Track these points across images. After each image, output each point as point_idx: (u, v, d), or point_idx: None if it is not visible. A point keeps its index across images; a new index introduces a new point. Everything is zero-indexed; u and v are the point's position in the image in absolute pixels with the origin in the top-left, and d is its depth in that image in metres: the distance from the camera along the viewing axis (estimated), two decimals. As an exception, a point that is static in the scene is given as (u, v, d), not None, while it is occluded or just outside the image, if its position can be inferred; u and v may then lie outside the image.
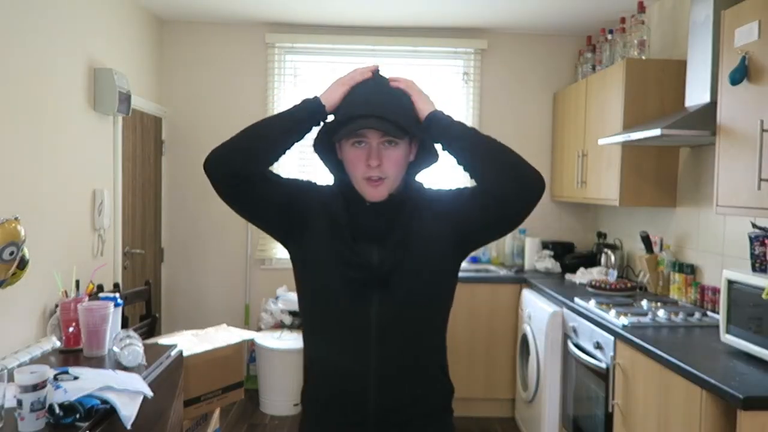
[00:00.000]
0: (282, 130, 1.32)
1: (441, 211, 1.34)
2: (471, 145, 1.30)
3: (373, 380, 1.28)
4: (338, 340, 1.31)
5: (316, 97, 1.34)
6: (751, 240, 2.31)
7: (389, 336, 1.29)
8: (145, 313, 3.31)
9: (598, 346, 2.72)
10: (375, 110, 1.27)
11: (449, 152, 1.33)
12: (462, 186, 1.41)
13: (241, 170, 1.32)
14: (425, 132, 1.31)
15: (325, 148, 1.39)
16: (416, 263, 1.29)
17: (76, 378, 1.74)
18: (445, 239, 1.32)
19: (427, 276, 1.31)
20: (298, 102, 1.35)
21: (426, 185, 1.43)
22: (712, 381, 1.85)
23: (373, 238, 1.31)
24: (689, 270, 3.06)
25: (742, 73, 2.14)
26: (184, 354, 2.53)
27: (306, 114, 1.32)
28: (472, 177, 1.33)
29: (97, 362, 2.09)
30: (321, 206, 1.34)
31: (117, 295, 2.38)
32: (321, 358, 1.35)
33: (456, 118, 1.34)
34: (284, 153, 1.34)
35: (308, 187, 1.39)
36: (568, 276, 3.89)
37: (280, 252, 4.33)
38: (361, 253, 1.29)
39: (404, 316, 1.30)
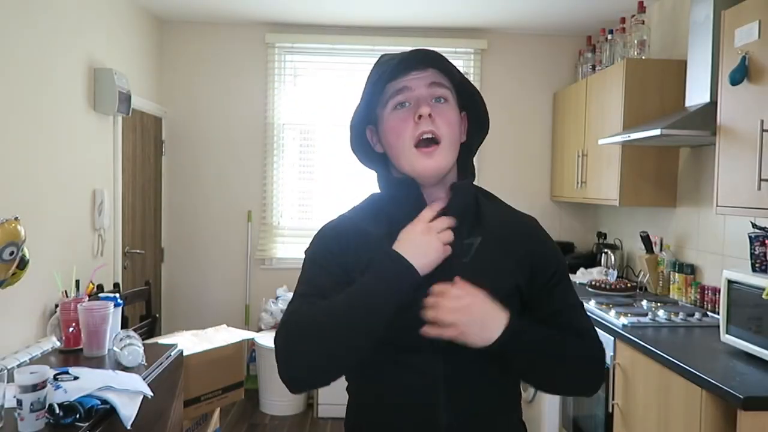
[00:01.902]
0: (373, 316, 0.97)
1: (514, 250, 1.09)
2: (540, 368, 1.08)
3: None
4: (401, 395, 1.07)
5: (396, 255, 0.99)
6: (751, 240, 2.31)
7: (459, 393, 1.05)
8: (145, 313, 3.31)
9: (598, 346, 2.72)
10: (417, 50, 1.04)
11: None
12: (545, 236, 1.16)
13: (337, 376, 1.02)
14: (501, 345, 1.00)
15: (363, 146, 1.15)
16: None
17: (76, 378, 1.74)
18: (512, 286, 1.08)
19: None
20: (377, 269, 0.99)
21: (489, 192, 1.18)
22: (712, 381, 1.85)
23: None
24: (689, 270, 3.06)
25: (742, 73, 2.14)
26: (184, 354, 2.53)
27: (392, 285, 0.98)
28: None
29: (97, 362, 2.09)
30: (355, 249, 1.06)
31: (117, 295, 2.38)
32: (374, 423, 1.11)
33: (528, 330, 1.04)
34: (374, 340, 1.00)
35: (340, 247, 1.08)
36: (568, 276, 3.88)
37: (280, 252, 4.34)
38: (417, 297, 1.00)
39: (476, 370, 1.05)
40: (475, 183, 1.16)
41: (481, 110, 1.14)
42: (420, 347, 1.02)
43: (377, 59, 1.12)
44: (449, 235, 1.02)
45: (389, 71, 1.04)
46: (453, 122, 1.07)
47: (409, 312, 0.99)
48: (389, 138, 1.08)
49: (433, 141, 1.04)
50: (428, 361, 1.03)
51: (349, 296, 0.98)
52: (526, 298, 1.09)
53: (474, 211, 1.11)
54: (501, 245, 1.09)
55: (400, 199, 1.08)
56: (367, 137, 1.14)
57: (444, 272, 1.01)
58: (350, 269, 1.04)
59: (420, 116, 1.03)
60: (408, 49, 1.07)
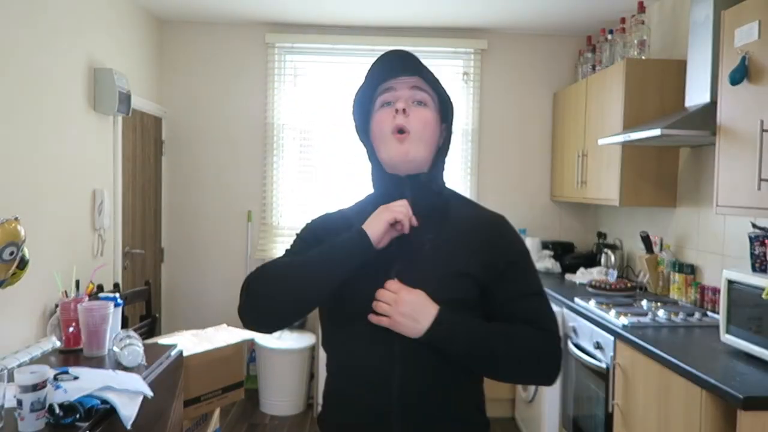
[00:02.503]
0: (325, 278, 1.14)
1: (469, 241, 1.20)
2: (478, 361, 1.16)
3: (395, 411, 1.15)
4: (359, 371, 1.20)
5: (361, 230, 1.15)
6: (751, 240, 2.31)
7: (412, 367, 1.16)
8: (145, 313, 3.31)
9: (598, 346, 2.72)
10: (403, 54, 1.25)
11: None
12: (508, 228, 1.25)
13: (287, 322, 1.19)
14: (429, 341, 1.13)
15: (364, 135, 1.30)
16: (435, 290, 1.15)
17: (76, 378, 1.74)
18: (466, 270, 1.17)
19: (440, 291, 1.15)
20: (341, 240, 1.16)
21: (460, 193, 1.32)
22: (712, 381, 1.86)
23: (402, 255, 1.18)
24: (689, 270, 3.06)
25: (742, 73, 2.14)
26: (184, 354, 2.53)
27: (349, 253, 1.15)
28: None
29: (97, 362, 2.09)
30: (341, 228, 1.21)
31: (117, 295, 2.38)
32: (339, 389, 1.24)
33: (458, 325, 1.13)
34: (325, 296, 1.17)
35: (321, 229, 1.27)
36: (568, 276, 3.89)
37: (280, 252, 4.33)
38: (379, 263, 1.16)
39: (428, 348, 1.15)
40: (452, 188, 1.31)
41: (447, 112, 1.27)
42: (383, 329, 1.15)
43: (378, 58, 1.27)
44: (403, 211, 1.15)
45: (379, 71, 1.24)
46: (427, 122, 1.22)
47: (369, 290, 1.15)
48: (375, 130, 1.24)
49: (406, 131, 1.20)
50: (386, 335, 1.14)
51: (311, 254, 1.17)
52: (482, 285, 1.17)
53: (440, 208, 1.24)
54: (459, 237, 1.20)
55: (386, 196, 1.22)
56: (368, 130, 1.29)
57: (403, 256, 1.18)
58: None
59: (396, 110, 1.20)
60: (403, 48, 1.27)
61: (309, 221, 1.31)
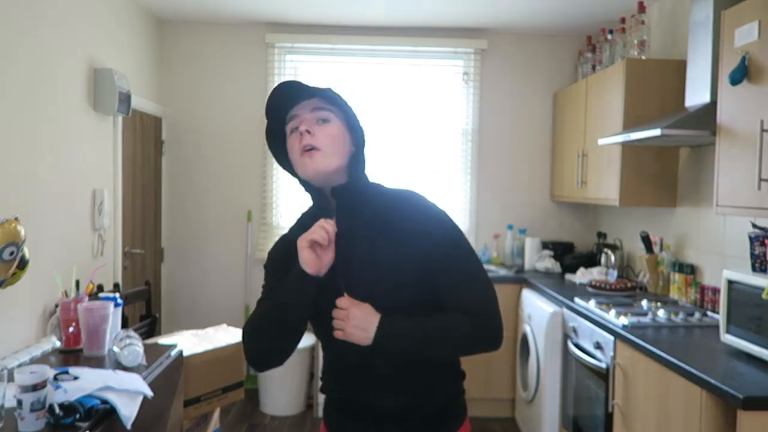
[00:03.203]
0: (292, 318, 1.30)
1: (406, 236, 1.31)
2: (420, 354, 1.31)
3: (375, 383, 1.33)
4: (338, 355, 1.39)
5: (299, 270, 1.28)
6: (751, 240, 2.31)
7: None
8: (145, 313, 3.31)
9: (598, 346, 2.72)
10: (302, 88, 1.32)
11: None
12: (436, 218, 1.34)
13: (283, 357, 1.34)
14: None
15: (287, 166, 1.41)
16: (381, 300, 1.28)
17: (76, 378, 1.74)
18: (406, 269, 1.30)
19: (389, 295, 1.29)
20: (288, 284, 1.30)
21: (385, 185, 1.41)
22: (712, 381, 1.86)
23: (346, 260, 1.30)
24: (689, 270, 3.06)
25: (742, 73, 2.14)
26: (184, 354, 2.53)
27: (297, 289, 1.28)
28: None
29: (97, 362, 2.09)
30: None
31: (117, 295, 2.38)
32: (332, 368, 1.42)
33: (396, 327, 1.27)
34: (304, 327, 1.32)
35: (280, 256, 1.39)
36: (568, 276, 3.89)
37: (280, 252, 4.33)
38: (335, 289, 1.29)
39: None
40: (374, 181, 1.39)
41: (352, 120, 1.34)
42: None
43: (271, 93, 1.34)
44: (317, 231, 1.25)
45: (277, 103, 1.33)
46: (334, 135, 1.30)
47: (327, 308, 1.28)
48: (290, 156, 1.34)
49: (314, 147, 1.29)
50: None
51: (271, 303, 1.32)
52: (423, 279, 1.29)
53: (369, 213, 1.33)
54: (392, 239, 1.30)
55: (321, 206, 1.37)
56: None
57: (349, 269, 1.30)
58: (288, 272, 1.31)
59: (301, 133, 1.29)
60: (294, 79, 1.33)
61: (270, 251, 1.43)
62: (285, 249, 1.38)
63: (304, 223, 1.37)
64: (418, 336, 1.27)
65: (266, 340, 1.31)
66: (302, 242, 1.26)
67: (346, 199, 1.33)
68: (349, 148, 1.34)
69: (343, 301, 1.27)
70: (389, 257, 1.29)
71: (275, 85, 1.34)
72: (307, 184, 1.37)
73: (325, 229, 1.26)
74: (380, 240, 1.30)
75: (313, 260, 1.25)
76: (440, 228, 1.32)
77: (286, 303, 1.29)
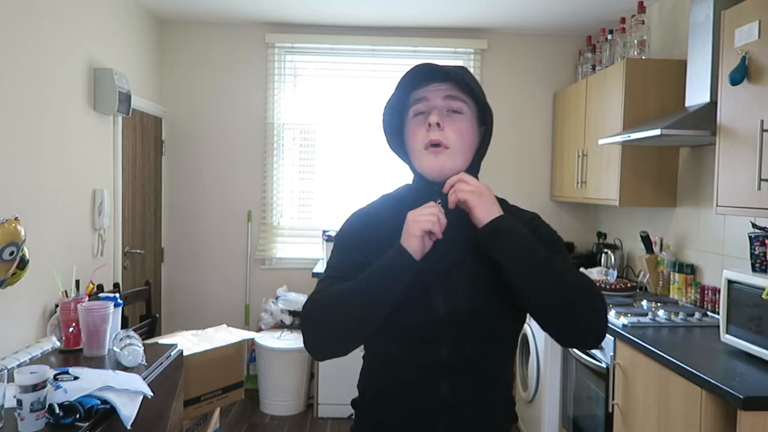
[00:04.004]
0: (380, 303, 1.13)
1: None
2: (540, 279, 1.11)
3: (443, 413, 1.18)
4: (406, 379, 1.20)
5: (401, 248, 1.12)
6: (751, 240, 2.31)
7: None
8: (145, 313, 3.31)
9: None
10: (437, 69, 1.18)
11: (504, 271, 1.13)
12: (548, 231, 1.23)
13: (350, 348, 1.17)
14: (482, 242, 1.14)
15: (396, 144, 1.27)
16: (486, 315, 1.16)
17: (76, 378, 1.74)
18: (505, 288, 1.15)
19: (487, 314, 1.16)
20: (384, 262, 1.13)
21: (509, 202, 1.27)
22: (712, 381, 1.85)
23: (443, 262, 1.16)
24: (689, 270, 3.06)
25: (742, 73, 2.14)
26: (184, 354, 2.53)
27: (397, 275, 1.12)
28: (522, 301, 1.15)
29: (97, 362, 2.09)
30: (380, 237, 1.20)
31: (117, 295, 2.38)
32: (380, 389, 1.25)
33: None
34: (383, 316, 1.15)
35: (361, 229, 1.24)
36: (568, 276, 3.88)
37: (280, 252, 4.34)
38: (423, 294, 1.15)
39: (477, 358, 1.17)
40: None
41: (485, 112, 1.24)
42: (428, 337, 1.16)
43: (408, 70, 1.20)
44: (431, 219, 1.11)
45: (408, 81, 1.19)
46: (464, 132, 1.18)
47: (419, 306, 1.15)
48: (408, 140, 1.22)
49: (442, 144, 1.16)
50: (433, 348, 1.16)
51: (359, 282, 1.13)
52: None
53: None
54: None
55: (420, 195, 1.20)
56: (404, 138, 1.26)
57: (450, 275, 1.17)
58: (369, 253, 1.18)
59: (429, 124, 1.16)
60: (438, 62, 1.20)
61: (342, 228, 1.27)
62: (369, 226, 1.23)
63: (400, 201, 1.23)
64: (537, 250, 1.11)
65: (346, 322, 1.13)
66: (416, 230, 1.10)
67: (462, 220, 1.16)
68: (475, 146, 1.22)
69: (467, 176, 1.15)
70: (492, 267, 1.13)
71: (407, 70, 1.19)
72: (417, 174, 1.24)
73: (437, 216, 1.11)
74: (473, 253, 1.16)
75: (420, 249, 1.11)
76: (550, 234, 1.22)
77: (378, 282, 1.11)
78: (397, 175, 4.22)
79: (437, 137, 1.16)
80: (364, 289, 1.12)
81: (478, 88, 1.21)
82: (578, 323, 1.14)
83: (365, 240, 1.21)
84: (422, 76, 1.19)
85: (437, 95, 1.18)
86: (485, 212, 1.11)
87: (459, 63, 4.31)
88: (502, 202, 1.22)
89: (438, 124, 1.16)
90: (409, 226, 1.12)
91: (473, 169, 1.23)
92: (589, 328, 1.16)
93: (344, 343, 1.15)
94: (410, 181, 1.28)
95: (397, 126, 1.26)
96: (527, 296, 1.12)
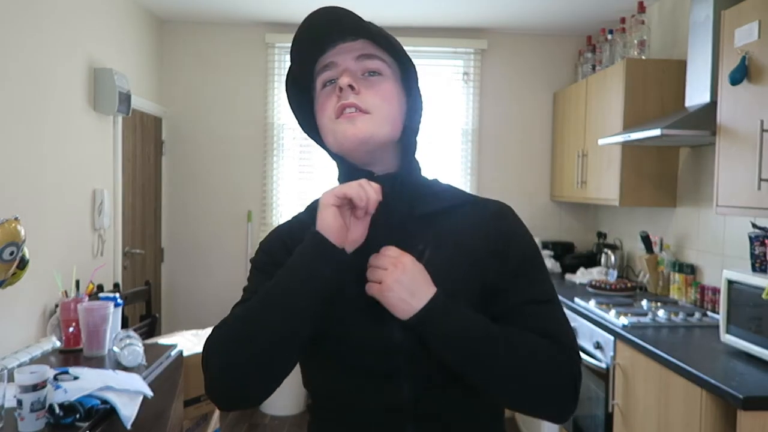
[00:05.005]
0: (293, 313, 0.86)
1: (467, 245, 0.95)
2: (474, 362, 0.88)
3: None
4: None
5: (314, 233, 0.88)
6: (751, 240, 2.31)
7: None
8: (145, 313, 3.31)
9: (598, 346, 2.72)
10: (340, 18, 0.92)
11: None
12: (504, 227, 1.00)
13: (268, 389, 0.89)
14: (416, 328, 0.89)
15: (311, 127, 1.02)
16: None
17: (76, 378, 1.74)
18: (472, 288, 0.94)
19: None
20: (295, 257, 0.88)
21: (435, 179, 1.04)
22: (712, 381, 1.86)
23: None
24: (689, 270, 3.06)
25: (742, 73, 2.14)
26: (184, 354, 2.53)
27: (310, 263, 0.87)
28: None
29: (97, 362, 2.09)
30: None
31: (117, 295, 2.38)
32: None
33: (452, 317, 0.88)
34: (309, 331, 0.88)
35: (277, 247, 0.99)
36: (568, 276, 3.89)
37: (280, 252, 4.33)
38: (370, 317, 0.90)
39: (447, 394, 0.93)
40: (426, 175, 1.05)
41: (411, 77, 0.98)
42: (386, 373, 0.92)
43: (303, 21, 0.94)
44: (354, 187, 0.87)
45: (306, 46, 0.93)
46: (387, 94, 0.93)
47: (374, 336, 0.91)
48: (318, 117, 0.97)
49: (359, 109, 0.92)
50: (391, 384, 0.92)
51: (267, 287, 0.88)
52: (488, 295, 0.94)
53: (428, 210, 0.99)
54: (455, 245, 0.96)
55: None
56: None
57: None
58: None
59: (341, 88, 0.91)
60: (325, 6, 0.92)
61: (262, 242, 1.04)
62: (284, 239, 0.99)
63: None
64: (477, 331, 0.88)
65: (253, 351, 0.84)
66: (328, 197, 0.87)
67: (404, 188, 0.97)
68: (403, 116, 0.97)
69: (392, 250, 0.89)
70: (450, 270, 0.93)
71: (311, 14, 0.92)
72: (340, 162, 0.99)
73: (364, 189, 0.87)
74: (438, 242, 0.95)
75: (338, 226, 0.86)
76: (520, 238, 1.00)
77: (291, 286, 0.86)
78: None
79: (351, 100, 0.91)
80: (272, 297, 0.86)
81: (400, 46, 0.96)
82: (536, 406, 0.92)
83: (287, 252, 0.92)
84: (325, 33, 0.92)
85: (347, 56, 0.93)
86: (404, 304, 0.86)
87: (459, 63, 4.33)
88: (458, 193, 1.03)
89: (351, 86, 0.91)
90: (323, 199, 0.88)
91: (407, 144, 0.99)
92: (550, 410, 0.92)
93: (264, 378, 0.86)
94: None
95: (306, 104, 1.01)
96: (479, 384, 0.90)
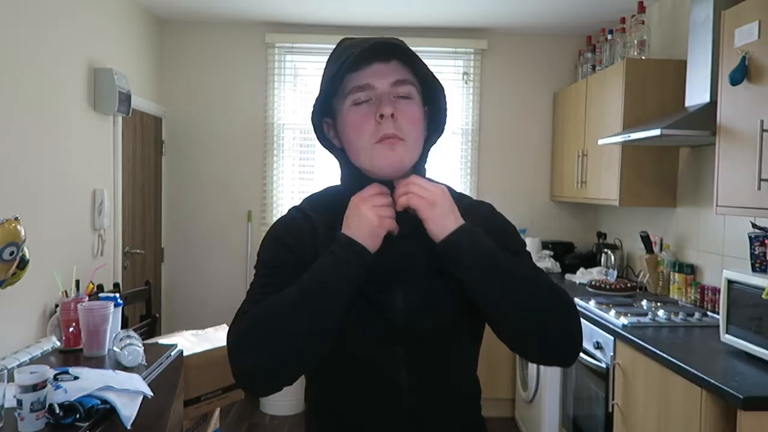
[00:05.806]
0: (330, 308, 0.94)
1: None
2: (500, 287, 0.97)
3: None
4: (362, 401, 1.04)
5: (343, 236, 0.97)
6: (751, 240, 2.31)
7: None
8: (145, 313, 3.31)
9: (598, 346, 2.72)
10: (382, 43, 1.00)
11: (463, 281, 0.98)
12: (507, 230, 1.10)
13: (295, 376, 0.97)
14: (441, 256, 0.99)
15: (324, 134, 1.12)
16: (443, 316, 1.02)
17: (76, 378, 1.74)
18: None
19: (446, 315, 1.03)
20: (329, 256, 0.97)
21: (455, 190, 1.11)
22: (712, 381, 1.86)
23: (398, 265, 1.01)
24: (689, 270, 3.06)
25: (742, 73, 2.14)
26: (184, 354, 2.53)
27: (345, 265, 0.95)
28: (487, 314, 1.01)
29: (97, 362, 2.09)
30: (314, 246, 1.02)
31: (117, 295, 2.38)
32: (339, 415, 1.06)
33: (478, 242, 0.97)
34: (336, 327, 0.97)
35: (297, 234, 1.05)
36: (568, 276, 3.89)
37: (280, 252, 4.33)
38: (381, 294, 1.00)
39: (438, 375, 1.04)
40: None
41: (442, 108, 1.09)
42: (383, 359, 1.02)
43: (338, 43, 1.07)
44: (385, 209, 0.98)
45: (349, 63, 1.00)
46: (417, 120, 1.03)
47: (372, 323, 1.01)
48: (349, 134, 1.03)
49: (397, 136, 1.00)
50: (392, 386, 1.02)
51: (300, 283, 0.95)
52: None
53: None
54: None
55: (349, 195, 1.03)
56: (324, 130, 1.11)
57: (403, 275, 1.02)
58: (303, 262, 1.00)
59: (382, 116, 0.99)
60: (370, 36, 1.04)
61: (267, 237, 1.08)
62: (300, 231, 1.05)
63: (332, 204, 1.05)
64: (501, 253, 0.98)
65: (288, 341, 0.93)
66: (367, 211, 0.96)
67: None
68: (425, 133, 1.07)
69: (421, 179, 1.00)
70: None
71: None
72: (351, 167, 1.06)
73: (391, 210, 0.98)
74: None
75: (372, 225, 0.96)
76: (508, 233, 1.09)
77: (324, 282, 0.94)
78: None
79: (393, 131, 0.99)
80: (310, 291, 0.94)
81: (422, 62, 1.06)
82: (552, 334, 0.99)
83: (297, 245, 1.03)
84: (362, 53, 0.99)
85: (384, 81, 1.01)
86: (440, 226, 0.96)
87: (459, 63, 4.33)
88: (457, 195, 1.09)
89: (392, 115, 0.99)
90: (359, 210, 0.97)
91: (423, 161, 1.09)
92: (565, 338, 1.00)
93: (295, 366, 0.95)
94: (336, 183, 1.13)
95: (319, 116, 1.09)
96: (496, 311, 0.98)
